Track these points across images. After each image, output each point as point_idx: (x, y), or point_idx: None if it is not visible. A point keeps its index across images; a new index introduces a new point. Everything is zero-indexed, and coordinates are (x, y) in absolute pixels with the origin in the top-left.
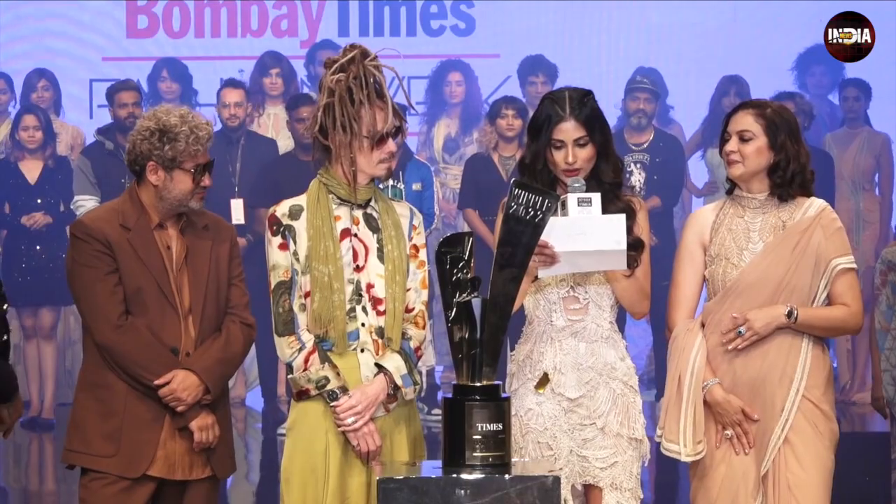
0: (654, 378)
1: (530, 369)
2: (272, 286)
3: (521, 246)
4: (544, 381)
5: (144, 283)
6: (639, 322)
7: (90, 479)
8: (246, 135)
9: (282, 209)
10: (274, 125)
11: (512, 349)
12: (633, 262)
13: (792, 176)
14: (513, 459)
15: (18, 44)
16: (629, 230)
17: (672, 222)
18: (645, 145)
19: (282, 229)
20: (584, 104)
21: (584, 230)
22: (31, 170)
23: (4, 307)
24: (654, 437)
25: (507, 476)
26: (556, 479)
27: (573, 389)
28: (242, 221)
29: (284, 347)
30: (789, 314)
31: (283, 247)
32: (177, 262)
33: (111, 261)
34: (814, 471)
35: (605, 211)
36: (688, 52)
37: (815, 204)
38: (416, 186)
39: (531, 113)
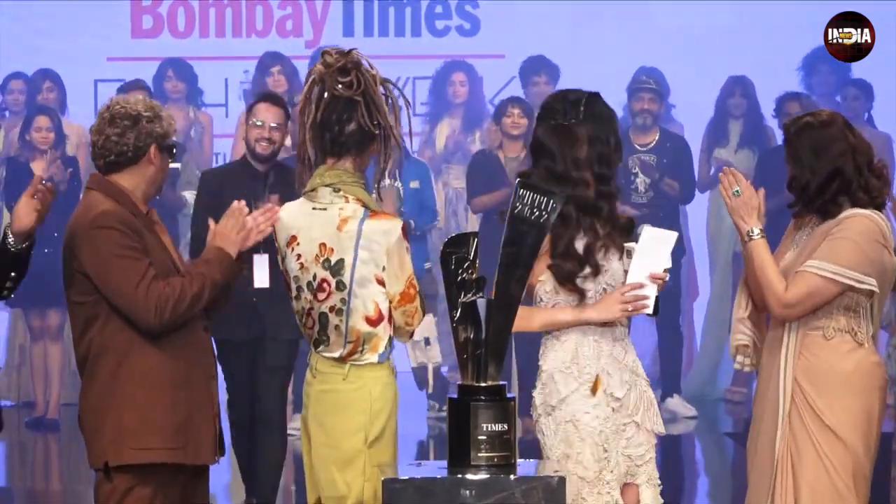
0: (660, 378)
1: (577, 374)
2: (418, 289)
3: (527, 246)
4: (597, 384)
5: (169, 273)
6: (644, 321)
7: (133, 481)
8: (274, 168)
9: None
10: None
11: (516, 352)
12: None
13: (815, 193)
14: (558, 464)
15: (23, 44)
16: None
17: (678, 221)
18: (651, 145)
19: None
20: None
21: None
22: (42, 169)
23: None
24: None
25: (512, 476)
26: (562, 480)
27: (619, 389)
28: (267, 284)
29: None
30: (750, 232)
31: None
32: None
33: (146, 251)
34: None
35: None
36: (691, 52)
37: (847, 213)
38: (413, 184)
39: (536, 113)
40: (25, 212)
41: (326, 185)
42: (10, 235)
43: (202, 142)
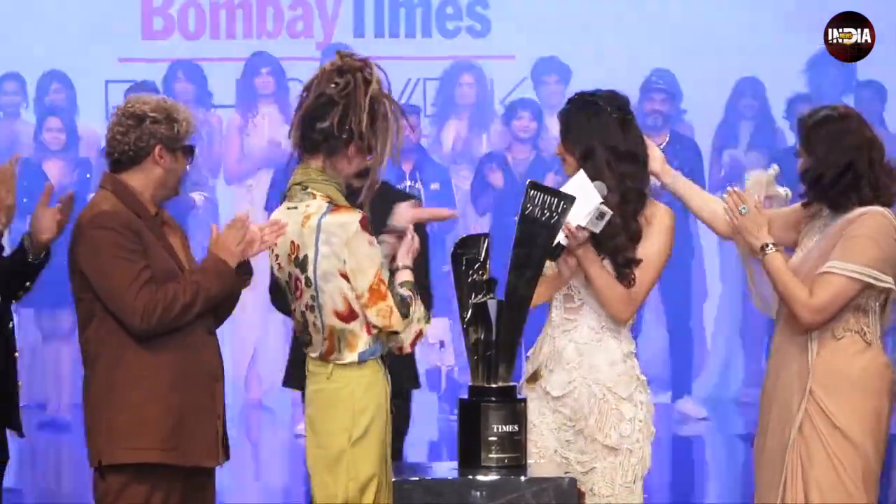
0: (671, 380)
1: (531, 365)
2: (387, 278)
3: (538, 247)
4: (535, 376)
5: (172, 274)
6: (655, 324)
7: (126, 481)
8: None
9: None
10: (270, 125)
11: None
12: (626, 278)
13: (829, 185)
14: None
15: (34, 45)
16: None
17: (688, 224)
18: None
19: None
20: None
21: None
22: (55, 170)
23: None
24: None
25: (522, 478)
26: (573, 481)
27: (557, 388)
28: None
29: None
30: (765, 246)
31: None
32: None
33: (144, 253)
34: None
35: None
36: (702, 53)
37: (860, 211)
38: (433, 186)
39: (546, 115)
40: (47, 224)
41: (297, 185)
42: (30, 246)
43: (212, 144)
